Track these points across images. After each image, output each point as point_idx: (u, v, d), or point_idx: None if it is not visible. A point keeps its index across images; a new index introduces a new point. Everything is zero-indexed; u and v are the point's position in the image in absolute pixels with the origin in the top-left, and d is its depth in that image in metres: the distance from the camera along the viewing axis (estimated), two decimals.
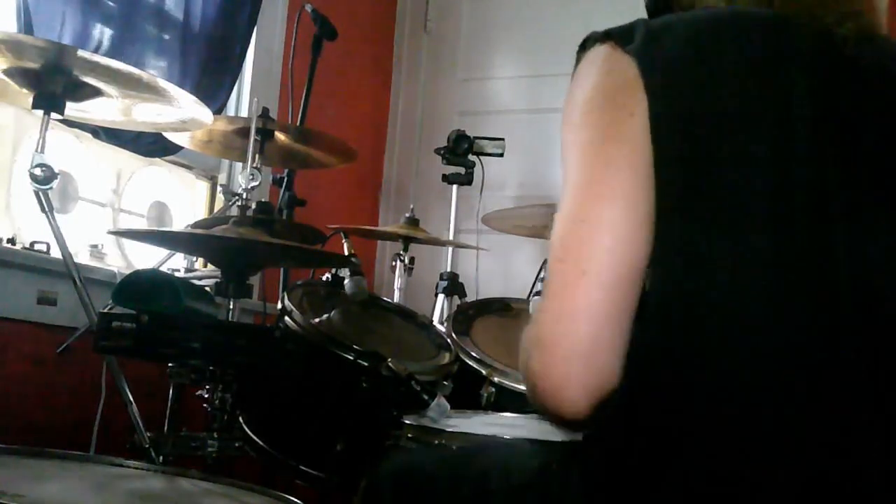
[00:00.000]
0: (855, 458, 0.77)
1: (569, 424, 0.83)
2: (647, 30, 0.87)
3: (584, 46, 0.91)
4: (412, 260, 2.59)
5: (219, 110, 2.60)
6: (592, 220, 0.82)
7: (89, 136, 2.30)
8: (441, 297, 2.63)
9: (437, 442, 1.37)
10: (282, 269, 2.50)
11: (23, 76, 1.68)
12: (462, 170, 2.79)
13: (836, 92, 0.86)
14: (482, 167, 2.86)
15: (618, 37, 0.88)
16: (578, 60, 0.91)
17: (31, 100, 1.70)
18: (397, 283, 2.57)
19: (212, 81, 2.60)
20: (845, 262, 0.80)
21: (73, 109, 1.76)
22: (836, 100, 0.86)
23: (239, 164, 2.69)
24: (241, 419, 1.72)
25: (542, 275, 2.23)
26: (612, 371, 0.80)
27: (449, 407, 1.54)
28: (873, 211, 0.83)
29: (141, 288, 1.61)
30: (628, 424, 0.82)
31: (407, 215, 2.51)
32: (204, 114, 1.83)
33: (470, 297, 2.60)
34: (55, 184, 1.72)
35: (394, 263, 2.60)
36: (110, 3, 2.36)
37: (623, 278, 0.81)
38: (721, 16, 0.93)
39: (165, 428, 1.75)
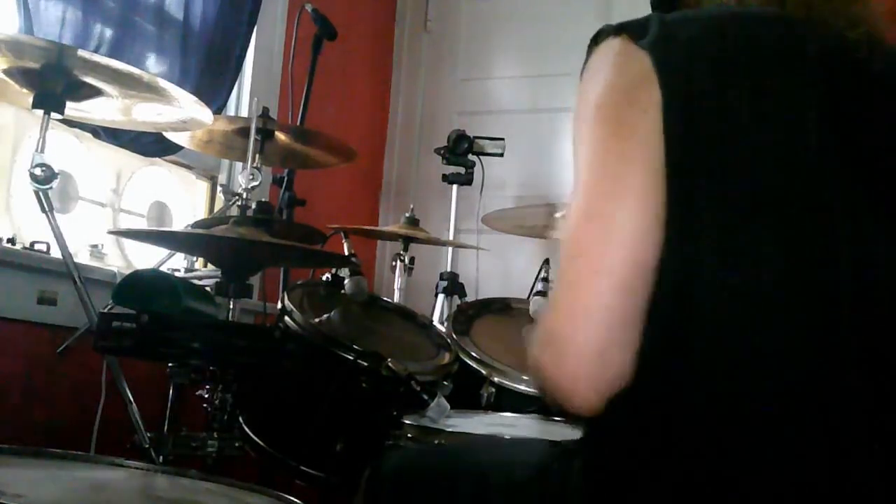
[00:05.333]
0: (855, 460, 0.76)
1: (579, 416, 0.82)
2: (661, 24, 0.86)
3: (597, 40, 0.89)
4: (412, 260, 2.59)
5: (219, 110, 2.60)
6: (605, 218, 0.82)
7: (89, 136, 2.30)
8: (441, 297, 2.64)
9: (437, 442, 1.37)
10: (282, 269, 2.50)
11: (23, 76, 1.68)
12: (462, 170, 2.80)
13: (846, 96, 0.86)
14: (482, 167, 2.86)
15: (632, 30, 0.86)
16: (590, 53, 0.90)
17: (31, 100, 1.70)
18: (397, 283, 2.57)
19: (212, 81, 2.61)
20: (848, 266, 0.80)
21: (73, 109, 1.76)
22: (845, 104, 0.85)
23: (239, 164, 2.69)
24: (241, 419, 1.72)
25: (542, 274, 2.23)
26: (624, 368, 0.80)
27: (449, 407, 1.54)
28: (879, 218, 0.83)
29: (141, 288, 1.61)
30: (628, 424, 0.82)
31: (407, 215, 2.50)
32: (204, 114, 1.83)
33: (470, 297, 2.61)
34: (55, 184, 1.72)
35: (394, 263, 2.60)
36: (110, 3, 2.36)
37: (635, 276, 0.80)
38: (737, 15, 0.92)
39: (165, 428, 1.75)
